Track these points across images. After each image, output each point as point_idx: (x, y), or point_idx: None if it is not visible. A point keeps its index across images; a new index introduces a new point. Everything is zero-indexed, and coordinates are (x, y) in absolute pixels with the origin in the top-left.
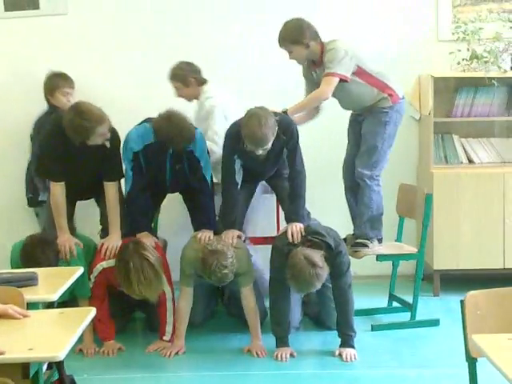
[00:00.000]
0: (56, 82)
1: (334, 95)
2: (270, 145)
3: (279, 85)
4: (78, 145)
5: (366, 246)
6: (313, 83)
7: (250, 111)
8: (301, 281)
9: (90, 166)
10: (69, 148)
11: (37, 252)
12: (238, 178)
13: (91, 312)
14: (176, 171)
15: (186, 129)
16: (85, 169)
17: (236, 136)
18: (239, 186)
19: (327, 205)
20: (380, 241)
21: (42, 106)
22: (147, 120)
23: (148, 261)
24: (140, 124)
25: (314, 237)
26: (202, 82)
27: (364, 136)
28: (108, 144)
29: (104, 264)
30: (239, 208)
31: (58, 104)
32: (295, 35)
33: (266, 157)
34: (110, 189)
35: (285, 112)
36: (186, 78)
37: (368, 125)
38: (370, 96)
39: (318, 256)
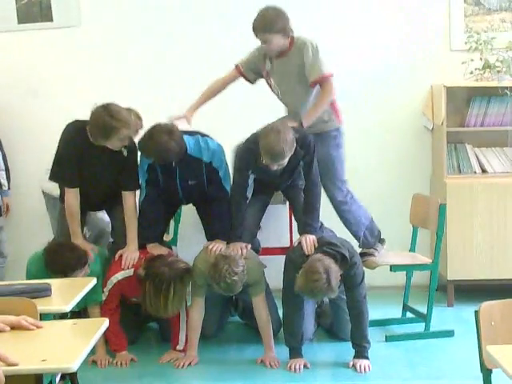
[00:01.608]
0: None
1: (279, 87)
2: (286, 161)
3: None
4: (96, 144)
5: (372, 254)
6: (258, 73)
7: (270, 125)
8: (310, 287)
9: (106, 175)
10: (86, 155)
11: (65, 255)
12: (249, 193)
13: (104, 323)
14: (189, 186)
15: (165, 149)
16: (100, 178)
17: (252, 151)
18: (251, 198)
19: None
20: (382, 241)
21: (56, 117)
22: None
23: (184, 271)
24: None
25: (329, 247)
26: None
27: (322, 162)
28: (125, 153)
29: (119, 276)
30: (250, 221)
31: None
32: (280, 24)
33: (282, 171)
34: (129, 198)
35: (300, 124)
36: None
37: (322, 150)
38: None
39: (335, 275)
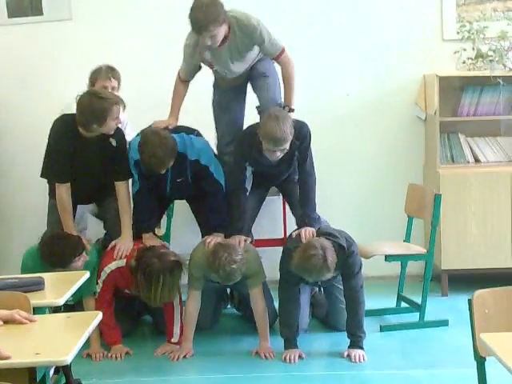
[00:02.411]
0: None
1: (226, 69)
2: (288, 145)
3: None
4: (87, 135)
5: None
6: (195, 65)
7: (268, 112)
8: (305, 263)
9: (96, 167)
10: (76, 148)
11: (60, 245)
12: (248, 184)
13: (98, 316)
14: (177, 184)
15: (156, 156)
16: (90, 170)
17: (247, 142)
18: (249, 192)
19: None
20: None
21: (47, 110)
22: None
23: (175, 264)
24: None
25: (327, 238)
26: None
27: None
28: (114, 143)
29: (112, 266)
30: (247, 214)
31: None
32: (221, 12)
33: (279, 162)
34: (122, 188)
35: (290, 109)
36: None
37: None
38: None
39: (332, 255)
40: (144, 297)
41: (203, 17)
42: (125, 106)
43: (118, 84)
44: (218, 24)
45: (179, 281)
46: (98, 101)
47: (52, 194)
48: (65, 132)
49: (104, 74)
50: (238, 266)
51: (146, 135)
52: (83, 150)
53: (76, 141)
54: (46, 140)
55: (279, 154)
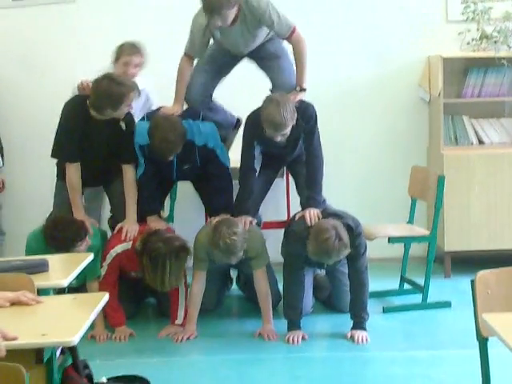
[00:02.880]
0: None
1: (233, 46)
2: (288, 130)
3: None
4: (98, 117)
5: None
6: (206, 43)
7: (269, 97)
8: (322, 247)
9: (105, 150)
10: (86, 130)
11: (64, 230)
12: (257, 165)
13: (104, 297)
14: (183, 170)
15: (168, 141)
16: (99, 152)
17: (256, 122)
18: (257, 173)
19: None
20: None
21: (52, 93)
22: (154, 113)
23: (181, 248)
24: (147, 118)
25: (334, 218)
26: None
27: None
28: (123, 126)
29: (118, 249)
30: (255, 195)
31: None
32: None
33: (286, 143)
34: (128, 171)
35: (302, 89)
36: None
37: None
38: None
39: (345, 232)
40: (150, 281)
41: (216, 0)
42: (139, 93)
43: (143, 61)
44: (230, 7)
45: (185, 265)
46: (116, 86)
47: (60, 175)
48: (76, 114)
49: (127, 51)
50: (239, 239)
51: (157, 120)
52: (93, 132)
53: (86, 123)
54: (49, 122)
55: (280, 139)
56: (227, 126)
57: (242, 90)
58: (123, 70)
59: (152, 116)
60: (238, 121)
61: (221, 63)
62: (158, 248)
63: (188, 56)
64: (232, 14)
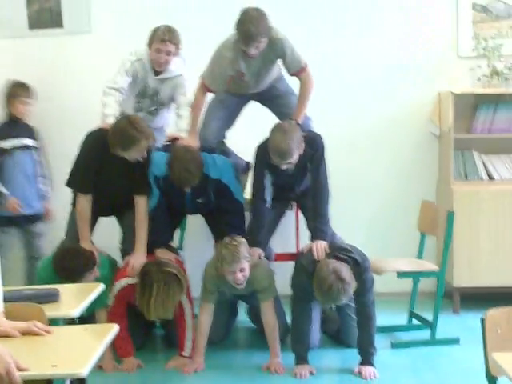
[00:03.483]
0: (15, 91)
1: (252, 81)
2: (294, 158)
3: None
4: (114, 154)
5: None
6: (227, 76)
7: (277, 125)
8: (328, 295)
9: (121, 183)
10: (104, 164)
11: (72, 261)
12: (268, 195)
13: (114, 328)
14: (196, 203)
15: (188, 171)
16: (115, 186)
17: (265, 150)
18: (269, 205)
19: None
20: None
21: (67, 122)
22: (170, 145)
23: (173, 277)
24: (164, 151)
25: (341, 253)
26: None
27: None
28: (140, 159)
29: (122, 283)
30: (266, 227)
31: (16, 113)
32: (269, 23)
33: (294, 172)
34: (141, 202)
35: (297, 123)
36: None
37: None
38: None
39: (346, 270)
40: (139, 305)
41: (255, 30)
42: (154, 140)
43: (177, 47)
44: (267, 35)
45: (175, 298)
46: (131, 129)
47: (75, 203)
48: (95, 146)
49: (160, 37)
50: (240, 246)
51: (178, 150)
52: (111, 166)
53: (104, 155)
54: (71, 151)
55: (286, 167)
56: (238, 170)
57: (250, 135)
58: (156, 57)
59: (171, 147)
60: (248, 164)
61: (232, 108)
62: (148, 271)
63: (205, 87)
64: (265, 43)
